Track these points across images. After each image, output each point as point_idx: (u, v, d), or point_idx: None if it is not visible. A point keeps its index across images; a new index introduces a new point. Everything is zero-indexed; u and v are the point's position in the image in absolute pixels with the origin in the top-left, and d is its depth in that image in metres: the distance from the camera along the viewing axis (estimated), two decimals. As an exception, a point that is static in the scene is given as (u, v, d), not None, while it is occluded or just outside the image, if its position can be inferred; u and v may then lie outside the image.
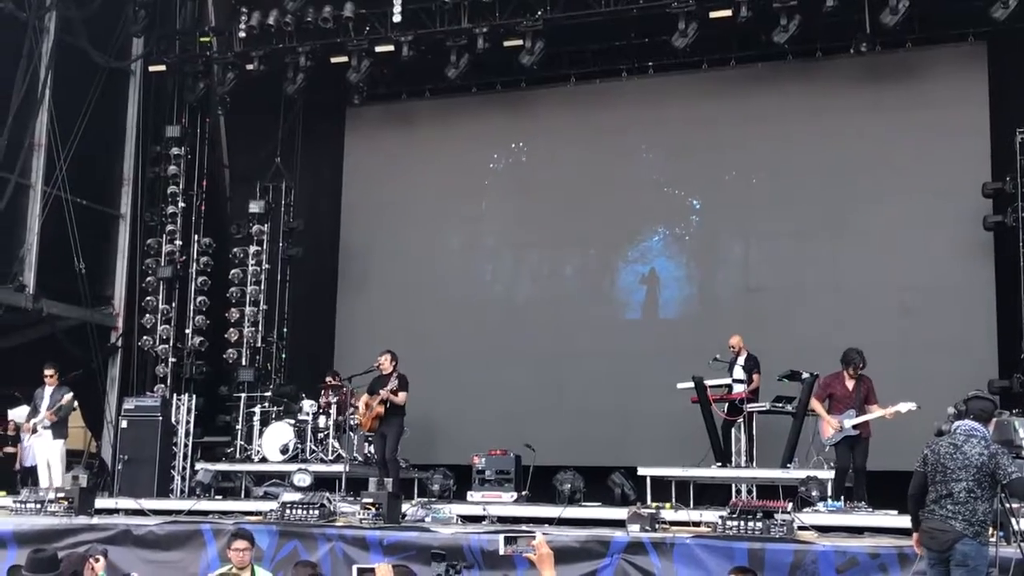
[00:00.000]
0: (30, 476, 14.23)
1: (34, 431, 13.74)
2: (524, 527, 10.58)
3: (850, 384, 12.01)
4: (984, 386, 12.78)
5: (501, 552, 5.58)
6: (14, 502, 12.45)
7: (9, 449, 15.00)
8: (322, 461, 14.99)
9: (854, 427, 11.81)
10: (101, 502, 12.98)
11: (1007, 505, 8.00)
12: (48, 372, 13.88)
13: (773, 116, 16.51)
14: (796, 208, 16.26)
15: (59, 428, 13.83)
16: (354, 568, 5.44)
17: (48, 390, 13.82)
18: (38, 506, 12.19)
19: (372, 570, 5.43)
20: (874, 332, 14.90)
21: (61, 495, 12.23)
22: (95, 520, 11.98)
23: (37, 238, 16.36)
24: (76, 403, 15.47)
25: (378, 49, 16.51)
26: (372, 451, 14.80)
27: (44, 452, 13.83)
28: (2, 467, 15.60)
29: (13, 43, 15.75)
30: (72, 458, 16.03)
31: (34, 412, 13.81)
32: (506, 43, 16.01)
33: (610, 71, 17.21)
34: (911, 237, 15.57)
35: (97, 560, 8.62)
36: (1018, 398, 13.78)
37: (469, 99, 17.85)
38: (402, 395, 13.52)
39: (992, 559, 7.79)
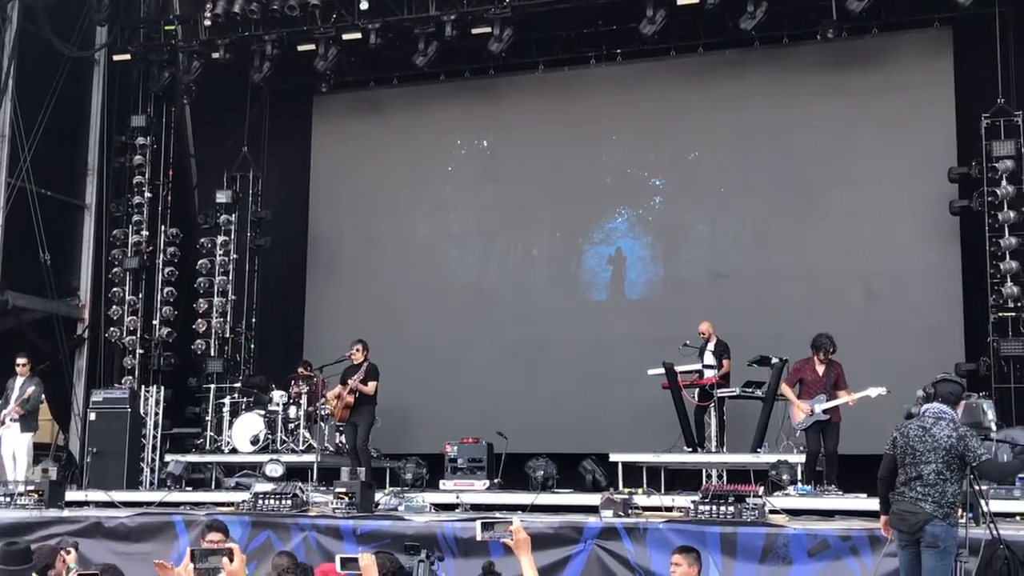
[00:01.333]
0: None
1: (2, 423, 13.64)
2: (498, 514, 10.60)
3: (820, 369, 12.10)
4: (951, 370, 12.93)
5: (478, 538, 5.61)
6: (-17, 496, 12.36)
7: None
8: (293, 451, 14.96)
9: (824, 412, 11.90)
10: (71, 494, 12.92)
11: (976, 486, 8.10)
12: (20, 362, 13.80)
13: (740, 102, 16.55)
14: (763, 193, 16.33)
15: (28, 421, 13.72)
16: (337, 558, 5.45)
17: (19, 381, 13.71)
18: (8, 499, 12.10)
19: (355, 560, 5.44)
20: (841, 317, 15.03)
21: (31, 488, 12.15)
22: (65, 512, 11.92)
23: (1, 230, 16.17)
24: (43, 396, 15.39)
25: (345, 37, 16.39)
26: (343, 441, 14.78)
27: (11, 444, 13.71)
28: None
29: (-25, 34, 15.59)
30: (39, 451, 15.90)
31: (5, 403, 13.71)
32: (474, 30, 15.94)
33: (578, 58, 17.19)
34: (877, 222, 15.67)
35: (68, 552, 8.57)
36: (984, 381, 13.93)
37: (437, 87, 17.81)
38: (371, 385, 13.54)
39: (962, 540, 7.88)
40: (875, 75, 15.85)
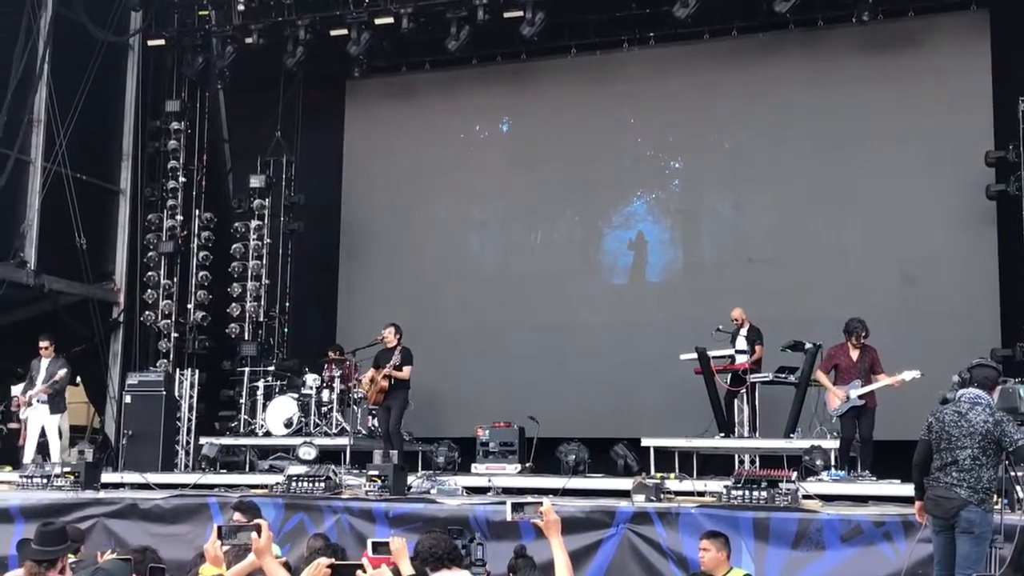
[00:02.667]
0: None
1: (28, 404, 13.70)
2: (529, 497, 10.62)
3: (854, 354, 11.99)
4: (986, 355, 12.80)
5: (508, 519, 5.62)
6: (20, 477, 12.47)
7: (13, 425, 14.98)
8: (326, 435, 15.02)
9: (860, 397, 11.81)
10: (107, 476, 13.02)
11: (1012, 472, 8.03)
12: (43, 344, 13.84)
13: (774, 86, 16.47)
14: (798, 178, 16.23)
15: (56, 402, 13.79)
16: (369, 542, 5.46)
17: (44, 362, 13.76)
18: (44, 481, 12.21)
19: (386, 544, 5.46)
20: (877, 302, 14.95)
21: (67, 469, 12.24)
22: (101, 494, 12.01)
23: (38, 214, 16.34)
24: (79, 378, 15.53)
25: (378, 21, 16.42)
26: (376, 424, 14.83)
27: (38, 424, 13.77)
28: (5, 443, 15.57)
29: (11, 18, 15.68)
30: (76, 433, 16.05)
31: (30, 384, 13.77)
32: (506, 14, 15.90)
33: (611, 42, 17.12)
34: (913, 206, 15.55)
35: None
36: (1020, 367, 13.78)
37: (469, 71, 17.79)
38: (406, 369, 13.55)
39: (997, 526, 7.82)
40: (911, 58, 15.72)
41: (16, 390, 14.77)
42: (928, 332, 14.88)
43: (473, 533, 6.95)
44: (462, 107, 18.08)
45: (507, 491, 11.78)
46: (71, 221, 16.43)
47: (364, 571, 4.74)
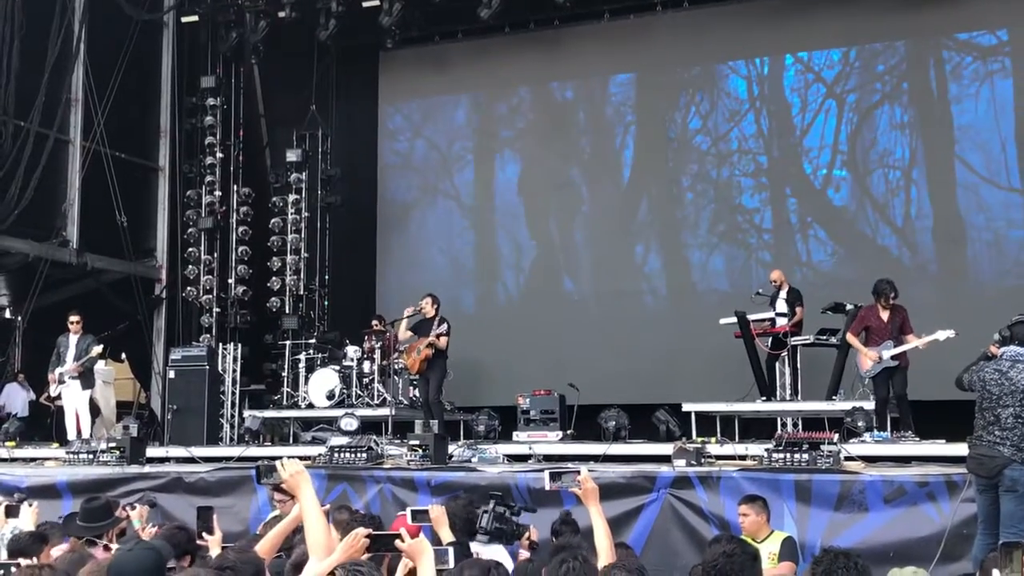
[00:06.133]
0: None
1: (60, 381, 13.63)
2: (570, 464, 10.62)
3: (884, 315, 11.83)
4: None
5: (547, 488, 5.64)
6: (67, 452, 12.63)
7: (60, 402, 15.13)
8: (368, 405, 15.11)
9: (892, 357, 11.69)
10: (152, 451, 13.12)
11: (1056, 429, 7.95)
12: (73, 319, 13.64)
13: (812, 44, 16.29)
14: (835, 135, 16.09)
15: (87, 378, 13.76)
16: (408, 510, 5.49)
17: (73, 338, 13.62)
18: (91, 456, 12.35)
19: (426, 512, 5.48)
20: (915, 261, 14.79)
21: (113, 444, 12.38)
22: (147, 468, 12.14)
23: (78, 193, 16.48)
24: (123, 354, 15.66)
25: (409, -9, 16.40)
26: (417, 395, 14.89)
27: (72, 401, 13.74)
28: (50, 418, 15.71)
29: (47, -1, 15.77)
30: (121, 409, 16.22)
31: (58, 360, 13.67)
32: (538, -20, 15.84)
33: (644, 5, 17.00)
34: (952, 161, 15.37)
35: (133, 508, 8.23)
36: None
37: (502, 39, 17.72)
38: (443, 339, 13.56)
39: (1041, 484, 7.76)
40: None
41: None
42: (968, 289, 14.73)
43: (510, 501, 6.85)
44: (496, 75, 18.03)
45: (548, 458, 11.79)
46: (111, 199, 16.56)
47: (402, 540, 4.73)
